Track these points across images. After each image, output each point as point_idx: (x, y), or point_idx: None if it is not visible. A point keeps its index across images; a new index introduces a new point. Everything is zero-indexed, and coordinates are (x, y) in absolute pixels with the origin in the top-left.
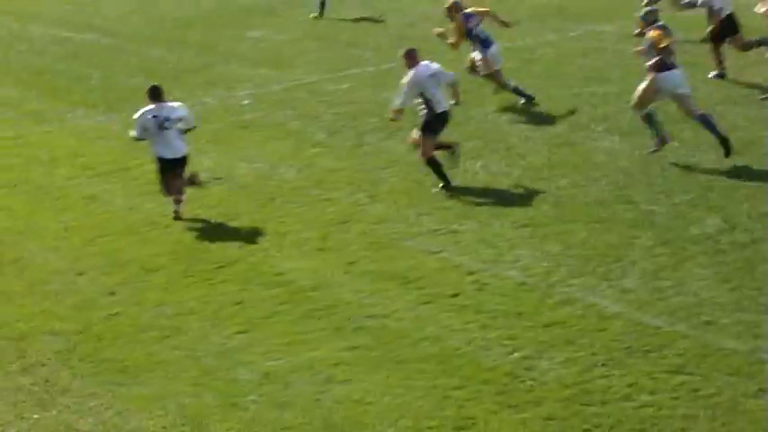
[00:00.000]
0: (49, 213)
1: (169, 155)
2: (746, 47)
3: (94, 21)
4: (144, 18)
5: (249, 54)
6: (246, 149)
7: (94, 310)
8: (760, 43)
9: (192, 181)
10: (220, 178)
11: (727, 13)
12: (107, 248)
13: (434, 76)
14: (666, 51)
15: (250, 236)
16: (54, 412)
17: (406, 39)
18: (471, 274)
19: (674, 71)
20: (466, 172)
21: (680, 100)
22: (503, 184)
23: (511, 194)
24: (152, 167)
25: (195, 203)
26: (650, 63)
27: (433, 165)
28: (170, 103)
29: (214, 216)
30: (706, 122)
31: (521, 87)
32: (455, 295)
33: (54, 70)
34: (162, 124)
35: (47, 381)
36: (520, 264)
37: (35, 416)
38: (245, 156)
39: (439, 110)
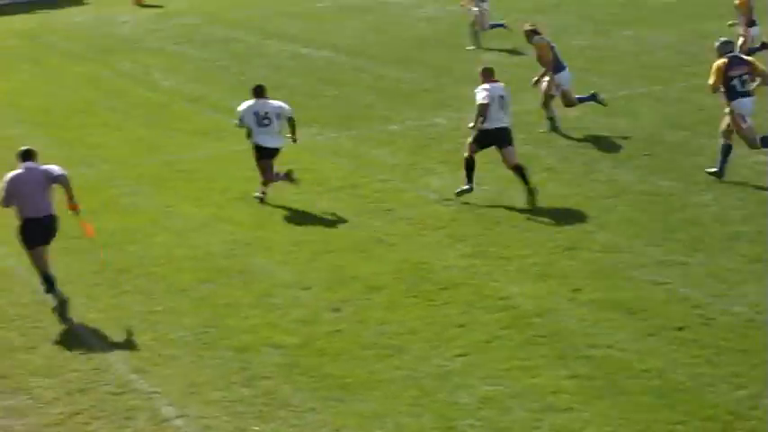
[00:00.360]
0: (278, 227)
1: (269, 144)
2: None
3: (332, 39)
4: (380, 38)
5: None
6: (476, 171)
7: (318, 326)
8: None
9: (289, 177)
10: (449, 200)
11: None
12: (333, 264)
13: (503, 97)
14: (738, 80)
15: (475, 258)
16: (273, 425)
17: (644, 67)
18: (698, 307)
19: (746, 99)
20: (697, 205)
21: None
22: (734, 217)
23: (742, 228)
24: (381, 186)
25: (420, 224)
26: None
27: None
28: (270, 101)
29: (440, 237)
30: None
31: None
32: (680, 328)
33: (289, 85)
34: (262, 120)
35: (268, 393)
36: (748, 300)
37: (255, 428)
38: (475, 177)
39: (489, 126)
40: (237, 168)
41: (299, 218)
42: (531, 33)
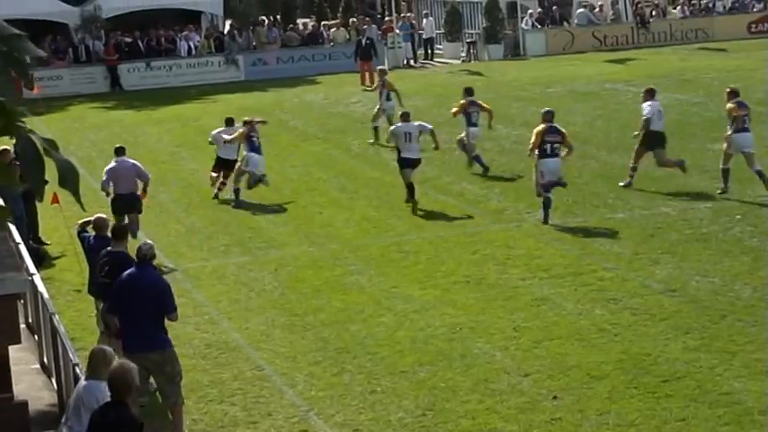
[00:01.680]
0: (500, 312)
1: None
2: None
3: (560, 124)
4: (609, 124)
5: (711, 167)
6: (702, 263)
7: (537, 413)
8: None
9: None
10: (674, 290)
11: None
12: (554, 352)
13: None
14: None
15: (699, 352)
16: None
17: None
18: None
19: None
20: None
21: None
22: None
23: None
24: (605, 274)
25: (644, 314)
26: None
27: None
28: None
29: (663, 328)
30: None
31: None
32: None
33: (517, 170)
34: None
35: None
36: None
37: None
38: (700, 269)
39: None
40: (462, 251)
41: (521, 304)
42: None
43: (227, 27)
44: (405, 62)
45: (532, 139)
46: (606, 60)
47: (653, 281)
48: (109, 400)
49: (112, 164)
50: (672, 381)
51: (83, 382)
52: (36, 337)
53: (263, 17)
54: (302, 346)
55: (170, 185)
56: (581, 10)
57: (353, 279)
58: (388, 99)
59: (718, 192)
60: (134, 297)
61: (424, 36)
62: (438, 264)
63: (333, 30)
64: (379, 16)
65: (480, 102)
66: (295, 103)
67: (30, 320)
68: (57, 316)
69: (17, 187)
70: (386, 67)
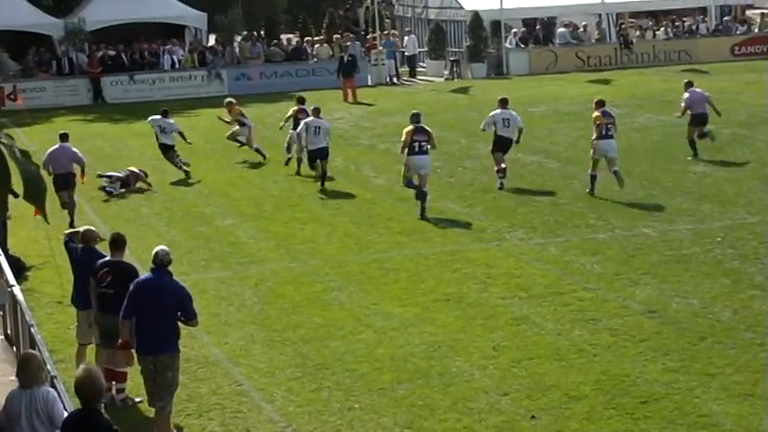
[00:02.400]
0: (480, 331)
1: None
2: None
3: (543, 144)
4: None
5: (692, 188)
6: (682, 285)
7: None
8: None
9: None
10: (654, 312)
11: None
12: (532, 371)
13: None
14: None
15: (678, 373)
16: None
17: None
18: None
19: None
20: None
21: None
22: None
23: None
24: (585, 294)
25: (624, 335)
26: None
27: None
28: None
29: (643, 349)
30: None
31: None
32: None
33: (498, 189)
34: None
35: None
36: None
37: None
38: (680, 291)
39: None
40: (443, 269)
41: (501, 322)
42: None
43: (211, 41)
44: (388, 79)
45: (402, 138)
46: (589, 80)
47: (633, 302)
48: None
49: (54, 147)
50: (650, 402)
51: (23, 390)
52: (15, 348)
53: (247, 32)
54: (281, 361)
55: (152, 199)
56: (561, 29)
57: (334, 295)
58: (243, 125)
59: (587, 191)
60: (153, 302)
61: (406, 53)
62: (418, 281)
63: (316, 46)
64: (362, 33)
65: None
66: (278, 119)
67: (8, 332)
68: (36, 328)
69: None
70: (232, 99)
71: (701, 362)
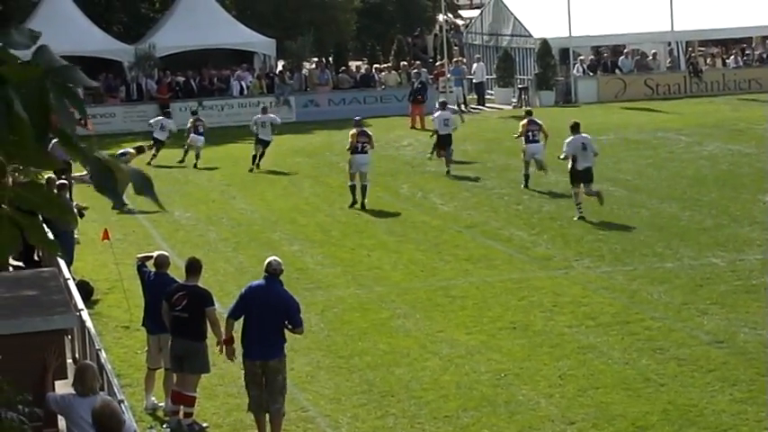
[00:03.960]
0: (546, 359)
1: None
2: None
3: (611, 172)
4: (660, 173)
5: (762, 218)
6: (751, 315)
7: None
8: None
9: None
10: (722, 342)
11: None
12: (599, 401)
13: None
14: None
15: (746, 404)
16: None
17: None
18: None
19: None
20: None
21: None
22: None
23: None
24: (653, 324)
25: (692, 365)
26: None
27: None
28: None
29: (710, 379)
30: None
31: None
32: None
33: (566, 217)
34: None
35: None
36: None
37: None
38: (749, 321)
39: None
40: (509, 297)
41: (568, 351)
42: None
43: (280, 68)
44: (456, 107)
45: (349, 140)
46: (658, 109)
47: (700, 331)
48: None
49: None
50: None
51: (83, 397)
52: None
53: (316, 58)
54: (347, 388)
55: (220, 224)
56: (622, 58)
57: (400, 322)
58: (200, 134)
59: (522, 186)
60: (264, 309)
61: (474, 81)
62: (484, 309)
63: (384, 73)
64: (431, 60)
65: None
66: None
67: (77, 356)
68: (103, 352)
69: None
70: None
71: None
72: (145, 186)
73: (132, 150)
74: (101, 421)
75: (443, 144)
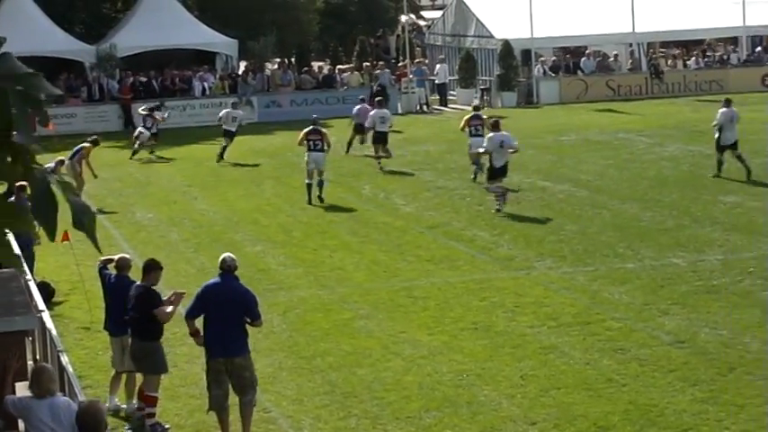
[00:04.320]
0: (508, 359)
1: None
2: None
3: (572, 173)
4: (621, 174)
5: (722, 218)
6: (711, 315)
7: None
8: None
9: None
10: (683, 342)
11: None
12: (560, 401)
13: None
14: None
15: (707, 404)
16: None
17: None
18: None
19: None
20: None
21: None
22: None
23: None
24: (614, 324)
25: (652, 365)
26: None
27: None
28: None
29: (671, 380)
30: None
31: None
32: None
33: (528, 218)
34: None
35: None
36: None
37: None
38: (710, 321)
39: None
40: (471, 298)
41: (529, 351)
42: None
43: (243, 68)
44: (418, 107)
45: (299, 137)
46: (620, 110)
47: (662, 332)
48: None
49: None
50: None
51: (40, 399)
52: None
53: (279, 59)
54: (309, 389)
55: (181, 225)
56: (584, 59)
57: (362, 323)
58: (147, 128)
59: (472, 179)
60: (223, 305)
61: (437, 82)
62: (446, 310)
63: (347, 74)
64: (393, 61)
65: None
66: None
67: (37, 357)
68: (64, 353)
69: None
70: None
71: (730, 393)
72: (84, 222)
73: (87, 143)
74: (84, 420)
75: (378, 141)
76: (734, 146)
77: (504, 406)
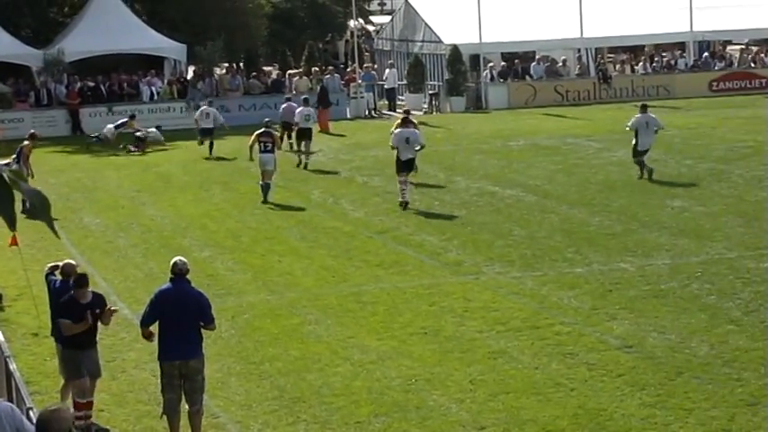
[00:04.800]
0: (457, 364)
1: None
2: None
3: (521, 178)
4: (569, 179)
5: (670, 223)
6: (659, 319)
7: None
8: None
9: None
10: (631, 346)
11: None
12: (509, 405)
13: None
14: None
15: (655, 408)
16: None
17: None
18: None
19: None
20: None
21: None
22: None
23: None
24: (562, 329)
25: (601, 369)
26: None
27: None
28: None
29: (620, 384)
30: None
31: None
32: None
33: (476, 222)
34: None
35: None
36: None
37: None
38: (658, 326)
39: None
40: (420, 303)
41: (478, 356)
42: None
43: (191, 73)
44: (366, 112)
45: (251, 139)
46: (568, 115)
47: (610, 336)
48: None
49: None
50: None
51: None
52: None
53: (227, 64)
54: (258, 394)
55: (129, 230)
56: (534, 64)
57: (311, 328)
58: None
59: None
60: (177, 310)
61: (386, 87)
62: (395, 315)
63: (295, 78)
64: (342, 66)
65: None
66: (256, 151)
67: None
68: (11, 359)
69: None
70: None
71: (678, 397)
72: (39, 210)
73: (26, 141)
74: (49, 427)
75: (301, 137)
76: (646, 151)
77: (454, 411)
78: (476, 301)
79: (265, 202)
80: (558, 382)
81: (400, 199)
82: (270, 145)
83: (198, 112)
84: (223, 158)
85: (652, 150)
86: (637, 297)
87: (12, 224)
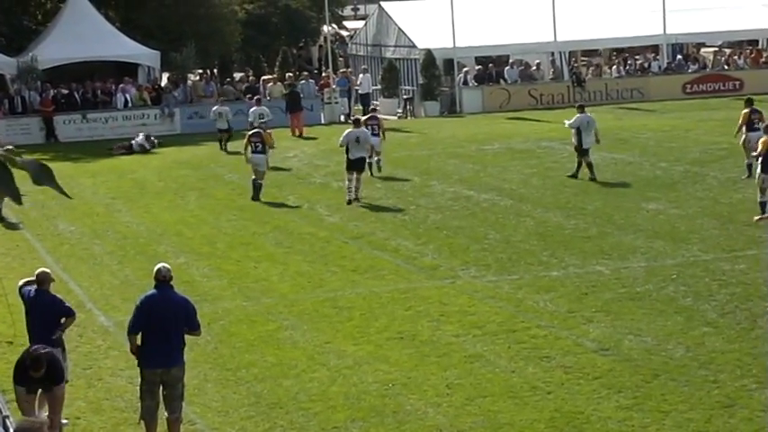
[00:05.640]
0: (433, 368)
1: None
2: None
3: (496, 182)
4: (545, 182)
5: (645, 226)
6: (635, 322)
7: None
8: None
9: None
10: (607, 349)
11: None
12: (486, 409)
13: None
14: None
15: (632, 411)
16: None
17: None
18: None
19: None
20: None
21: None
22: None
23: None
24: (539, 332)
25: (577, 372)
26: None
27: None
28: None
29: (596, 387)
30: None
31: None
32: None
33: (451, 227)
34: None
35: None
36: None
37: None
38: (634, 328)
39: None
40: (396, 307)
41: (455, 360)
42: None
43: (165, 80)
44: (341, 117)
45: (245, 141)
46: (542, 119)
47: (586, 339)
48: None
49: None
50: None
51: None
52: None
53: (201, 70)
54: (235, 400)
55: (105, 237)
56: (508, 68)
57: (287, 334)
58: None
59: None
60: (162, 316)
61: (360, 92)
62: (371, 320)
63: (270, 84)
64: (316, 71)
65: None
66: (231, 157)
67: None
68: None
69: None
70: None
71: (655, 399)
72: (44, 177)
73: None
74: None
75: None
76: (589, 149)
77: (431, 415)
78: (452, 305)
79: (255, 199)
80: (534, 386)
81: (347, 197)
82: (260, 145)
83: (211, 113)
84: (236, 152)
85: (626, 154)
86: (613, 300)
87: (17, 199)
